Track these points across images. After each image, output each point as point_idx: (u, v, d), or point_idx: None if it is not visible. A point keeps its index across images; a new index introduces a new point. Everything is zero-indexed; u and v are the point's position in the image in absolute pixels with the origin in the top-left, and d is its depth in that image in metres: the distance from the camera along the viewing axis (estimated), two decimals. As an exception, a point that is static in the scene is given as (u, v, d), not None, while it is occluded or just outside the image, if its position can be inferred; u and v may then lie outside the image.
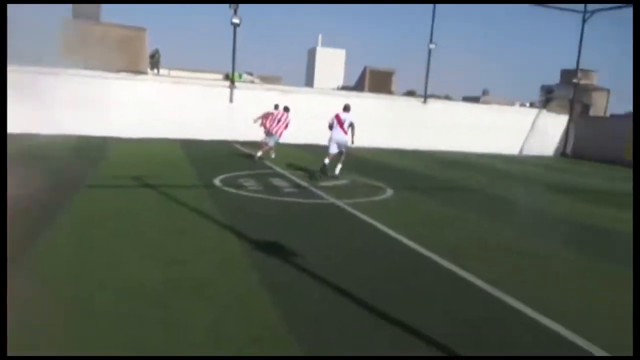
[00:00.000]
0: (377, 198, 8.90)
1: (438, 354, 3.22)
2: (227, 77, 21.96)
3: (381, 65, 38.72)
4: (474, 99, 55.68)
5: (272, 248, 5.21)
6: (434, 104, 22.71)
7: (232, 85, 19.23)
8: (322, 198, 8.50)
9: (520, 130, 24.59)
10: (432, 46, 21.51)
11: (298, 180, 10.22)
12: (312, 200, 8.31)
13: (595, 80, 28.83)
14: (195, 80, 20.35)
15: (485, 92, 76.84)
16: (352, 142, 10.96)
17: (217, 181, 9.35)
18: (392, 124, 20.48)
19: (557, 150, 25.57)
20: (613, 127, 23.71)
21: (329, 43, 60.07)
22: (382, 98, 22.35)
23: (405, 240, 5.95)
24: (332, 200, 8.30)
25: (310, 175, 11.04)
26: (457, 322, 3.74)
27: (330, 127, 10.88)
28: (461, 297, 4.28)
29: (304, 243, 5.58)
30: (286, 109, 13.34)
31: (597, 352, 3.38)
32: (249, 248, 5.22)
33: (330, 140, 10.89)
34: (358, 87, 29.26)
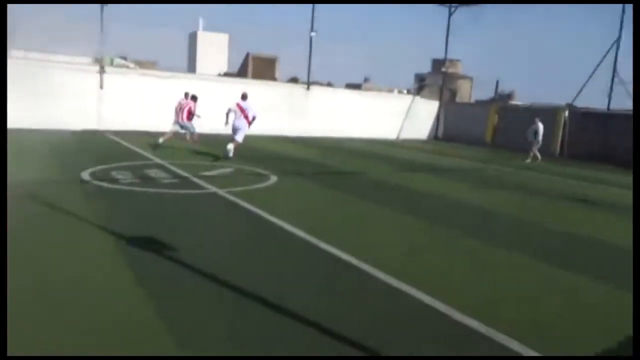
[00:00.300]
0: (261, 185, 8.83)
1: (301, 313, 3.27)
2: (96, 61, 20.15)
3: (266, 51, 38.46)
4: (357, 86, 58.00)
5: (146, 243, 4.89)
6: (317, 91, 23.18)
7: (102, 70, 17.70)
8: (202, 188, 8.22)
9: (398, 116, 26.14)
10: (312, 34, 21.84)
11: (178, 171, 9.75)
12: (192, 191, 7.99)
13: (460, 69, 31.61)
14: (57, 65, 18.32)
15: (367, 80, 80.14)
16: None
17: (86, 175, 8.55)
18: (275, 111, 20.48)
19: (430, 134, 27.68)
20: (476, 112, 26.32)
21: (211, 27, 57.98)
22: (265, 85, 22.22)
23: (285, 224, 5.99)
24: (213, 189, 8.06)
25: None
26: (320, 291, 3.85)
27: (228, 114, 11.88)
28: (317, 267, 4.43)
29: (180, 235, 5.34)
30: (193, 98, 13.70)
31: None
32: (122, 245, 4.85)
33: (233, 128, 11.93)
34: (241, 73, 28.78)
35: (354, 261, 4.77)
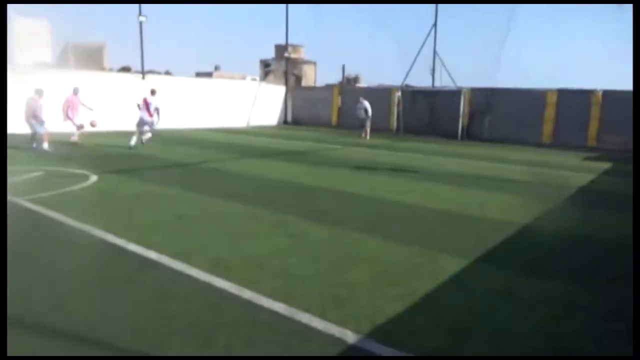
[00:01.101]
0: (74, 187, 7.82)
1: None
2: None
3: (93, 40, 34.75)
4: (207, 74, 56.23)
5: None
6: (154, 81, 21.61)
7: None
8: (-4, 197, 6.96)
9: (246, 103, 25.79)
10: (142, 19, 20.24)
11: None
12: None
13: (303, 54, 32.32)
14: None
15: (217, 68, 78.20)
16: (157, 123, 13.76)
17: None
18: (106, 103, 18.62)
19: (280, 119, 27.91)
20: (322, 96, 27.20)
21: (26, 12, 50.65)
22: (91, 75, 20.04)
23: (93, 229, 5.31)
24: (9, 198, 6.88)
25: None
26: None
27: (139, 108, 13.27)
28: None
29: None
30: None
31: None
32: None
33: (139, 121, 13.29)
34: (62, 62, 25.64)
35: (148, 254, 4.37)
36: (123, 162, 10.99)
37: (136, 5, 20.26)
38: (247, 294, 3.77)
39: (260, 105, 26.46)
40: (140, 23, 20.31)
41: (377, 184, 9.22)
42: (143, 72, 20.93)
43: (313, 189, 8.50)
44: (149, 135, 13.75)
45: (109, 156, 12.01)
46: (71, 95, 13.73)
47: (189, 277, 4.09)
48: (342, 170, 10.77)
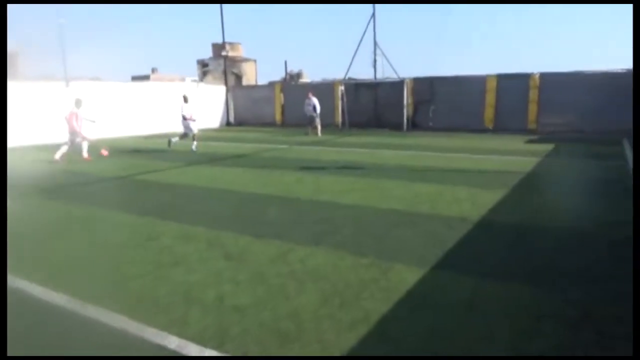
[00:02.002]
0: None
1: None
2: None
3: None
4: (144, 78, 53.79)
5: None
6: (80, 88, 20.06)
7: None
8: None
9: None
10: (62, 20, 18.76)
11: None
12: None
13: (241, 52, 31.36)
14: None
15: (154, 70, 75.32)
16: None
17: None
18: (24, 115, 17.07)
19: (222, 120, 26.91)
20: (264, 94, 26.40)
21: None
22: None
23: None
24: None
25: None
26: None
27: (184, 117, 14.41)
28: None
29: None
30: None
31: None
32: None
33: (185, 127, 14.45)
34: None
35: None
36: (44, 180, 9.91)
37: (54, 6, 18.69)
38: (173, 342, 3.16)
39: (199, 107, 25.35)
40: (60, 25, 18.79)
41: (323, 185, 8.73)
42: (66, 79, 19.33)
43: (255, 197, 7.90)
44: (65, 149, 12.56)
45: (27, 174, 10.83)
46: (74, 108, 12.68)
47: (103, 326, 3.41)
48: (287, 173, 10.21)
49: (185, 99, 14.34)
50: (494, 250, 4.97)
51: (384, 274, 4.29)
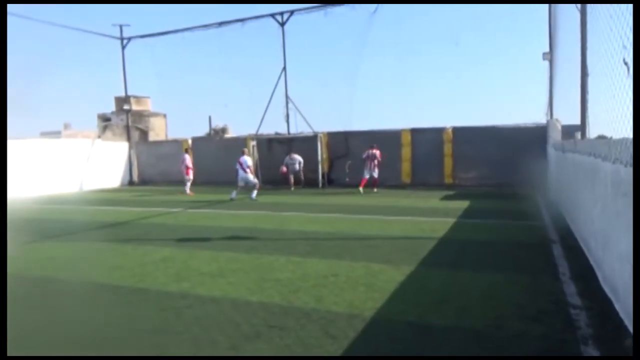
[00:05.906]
0: None
1: None
2: None
3: None
4: (55, 134, 49.60)
5: None
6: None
7: None
8: None
9: (77, 165, 21.96)
10: None
11: None
12: None
13: (149, 106, 29.33)
14: None
15: (67, 126, 70.64)
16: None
17: None
18: None
19: (123, 179, 24.35)
20: (171, 150, 24.25)
21: None
22: None
23: None
24: None
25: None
26: None
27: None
28: None
29: None
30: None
31: None
32: None
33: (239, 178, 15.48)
34: None
35: None
36: None
37: None
38: None
39: (96, 165, 22.79)
40: None
41: (193, 265, 6.86)
42: None
43: (86, 290, 5.87)
44: None
45: None
46: (185, 154, 19.16)
47: None
48: (156, 248, 8.21)
49: (243, 152, 16.17)
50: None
51: None
